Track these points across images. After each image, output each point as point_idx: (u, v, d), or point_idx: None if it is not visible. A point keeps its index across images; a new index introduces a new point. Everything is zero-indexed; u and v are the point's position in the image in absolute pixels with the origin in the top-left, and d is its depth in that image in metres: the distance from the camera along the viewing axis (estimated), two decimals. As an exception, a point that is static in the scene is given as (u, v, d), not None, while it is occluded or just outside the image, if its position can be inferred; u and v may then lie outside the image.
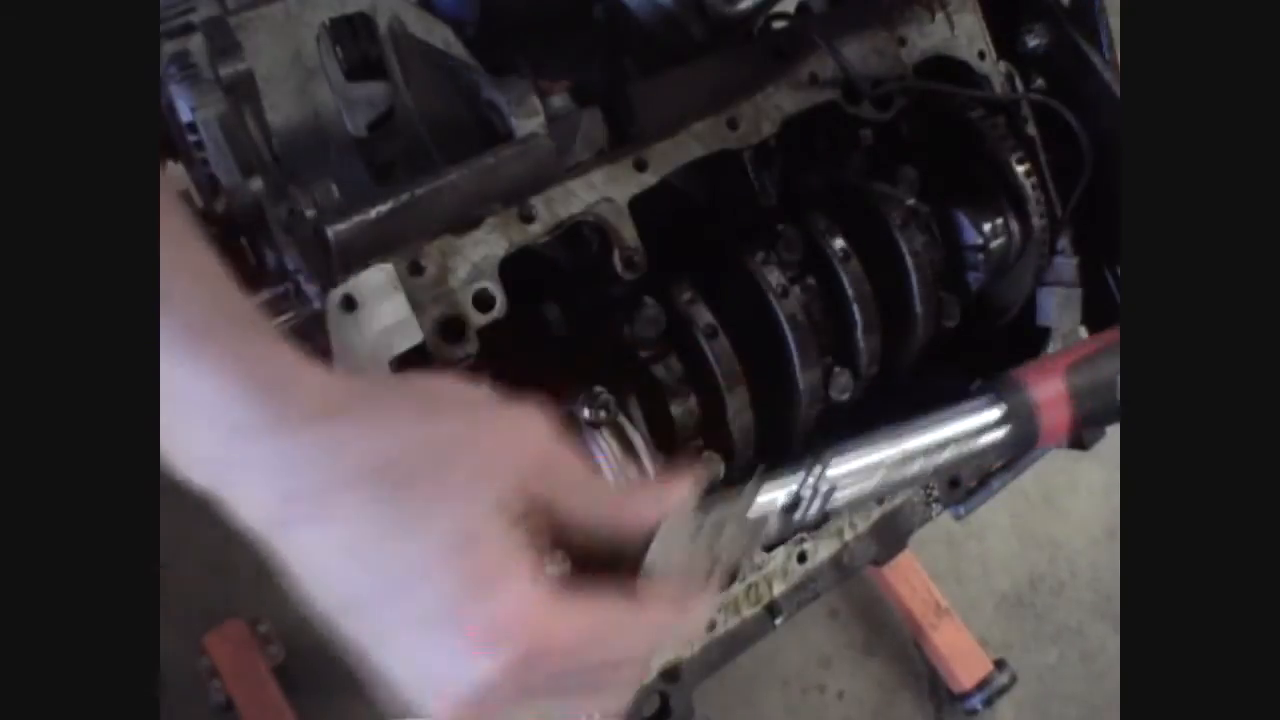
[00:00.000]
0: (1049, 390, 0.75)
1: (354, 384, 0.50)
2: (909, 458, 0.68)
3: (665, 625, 0.53)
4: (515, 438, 0.50)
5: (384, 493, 0.45)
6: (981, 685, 1.87)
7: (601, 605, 0.50)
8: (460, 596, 0.45)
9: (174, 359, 0.44)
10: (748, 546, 0.60)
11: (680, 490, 0.55)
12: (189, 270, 0.48)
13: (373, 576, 0.45)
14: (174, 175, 0.89)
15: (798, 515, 0.64)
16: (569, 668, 0.48)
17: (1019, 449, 0.76)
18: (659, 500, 0.54)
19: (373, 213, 0.66)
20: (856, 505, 0.68)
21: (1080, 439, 1.02)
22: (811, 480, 0.65)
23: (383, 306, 0.65)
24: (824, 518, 0.66)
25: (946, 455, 0.70)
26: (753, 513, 0.60)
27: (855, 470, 0.66)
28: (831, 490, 0.65)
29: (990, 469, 0.98)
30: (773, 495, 0.63)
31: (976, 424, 0.72)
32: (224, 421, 0.45)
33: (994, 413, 0.73)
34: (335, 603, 0.46)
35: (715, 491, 0.60)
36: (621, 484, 0.59)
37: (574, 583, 0.50)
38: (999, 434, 0.73)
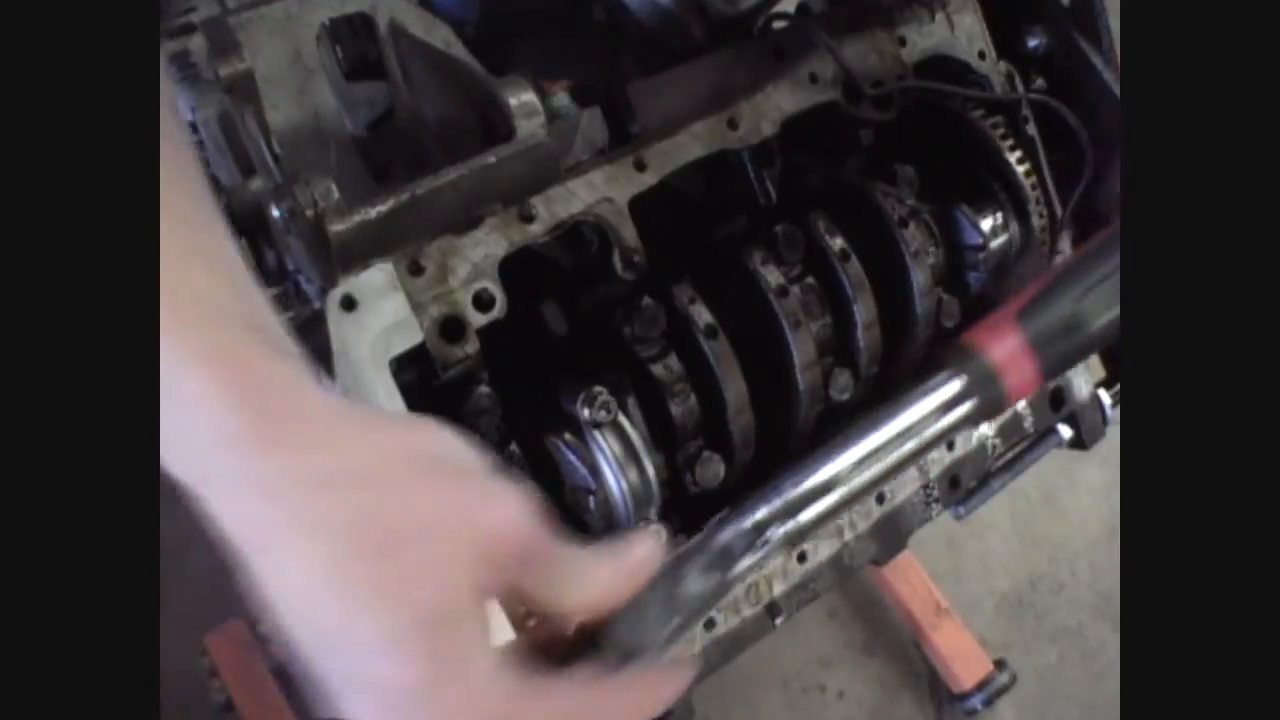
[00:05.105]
0: (1005, 348, 0.71)
1: (355, 421, 0.48)
2: (869, 458, 0.66)
3: (638, 704, 0.51)
4: (503, 520, 0.48)
5: (368, 550, 0.44)
6: (981, 685, 1.87)
7: (571, 689, 0.48)
8: (429, 676, 0.44)
9: (173, 351, 0.44)
10: (713, 593, 0.57)
11: (647, 559, 0.53)
12: (202, 257, 0.47)
13: (346, 632, 0.44)
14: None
15: (762, 540, 0.60)
16: None
17: (987, 416, 0.73)
18: (631, 577, 0.52)
19: (373, 213, 0.66)
20: (826, 518, 0.65)
21: (1080, 439, 1.02)
22: (768, 508, 0.61)
23: (383, 306, 0.66)
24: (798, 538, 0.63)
25: (911, 445, 0.68)
26: (714, 545, 0.58)
27: (814, 486, 0.63)
28: (796, 508, 0.62)
29: (990, 469, 0.98)
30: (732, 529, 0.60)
31: (936, 404, 0.69)
32: (213, 427, 0.44)
33: (953, 387, 0.70)
34: (302, 637, 0.45)
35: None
36: (593, 560, 0.54)
37: (543, 661, 0.49)
38: (963, 409, 0.70)
